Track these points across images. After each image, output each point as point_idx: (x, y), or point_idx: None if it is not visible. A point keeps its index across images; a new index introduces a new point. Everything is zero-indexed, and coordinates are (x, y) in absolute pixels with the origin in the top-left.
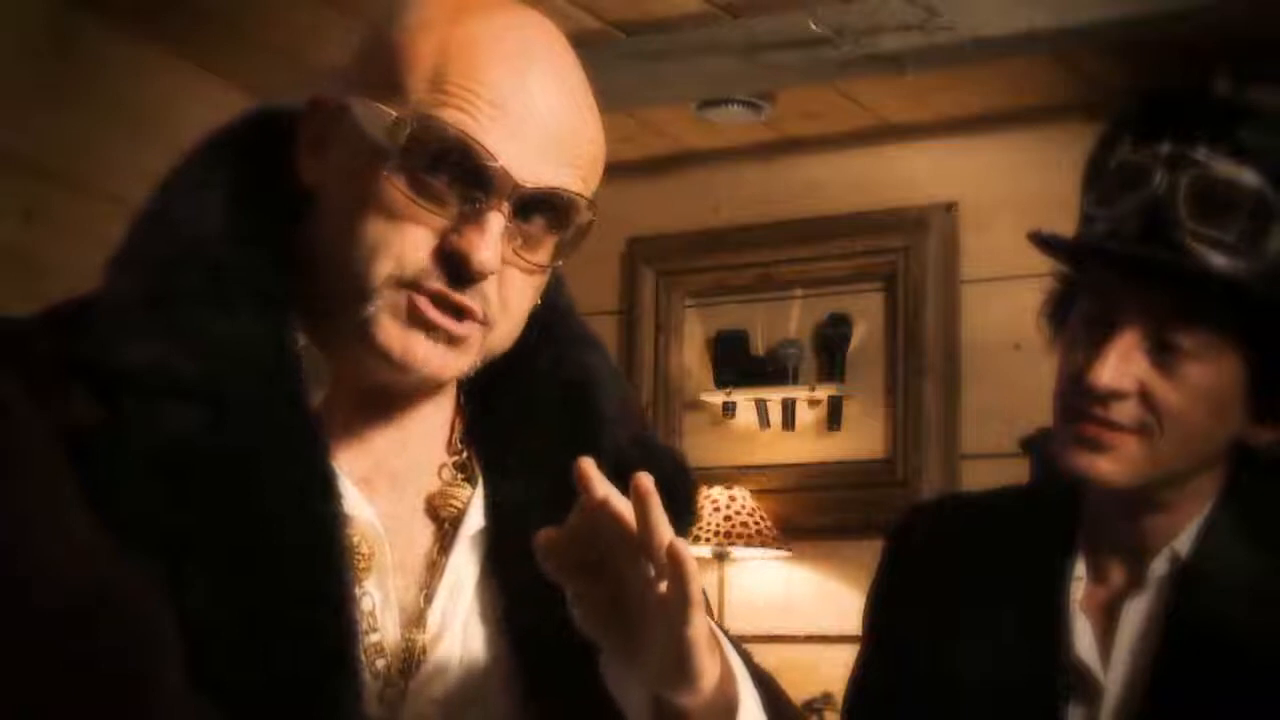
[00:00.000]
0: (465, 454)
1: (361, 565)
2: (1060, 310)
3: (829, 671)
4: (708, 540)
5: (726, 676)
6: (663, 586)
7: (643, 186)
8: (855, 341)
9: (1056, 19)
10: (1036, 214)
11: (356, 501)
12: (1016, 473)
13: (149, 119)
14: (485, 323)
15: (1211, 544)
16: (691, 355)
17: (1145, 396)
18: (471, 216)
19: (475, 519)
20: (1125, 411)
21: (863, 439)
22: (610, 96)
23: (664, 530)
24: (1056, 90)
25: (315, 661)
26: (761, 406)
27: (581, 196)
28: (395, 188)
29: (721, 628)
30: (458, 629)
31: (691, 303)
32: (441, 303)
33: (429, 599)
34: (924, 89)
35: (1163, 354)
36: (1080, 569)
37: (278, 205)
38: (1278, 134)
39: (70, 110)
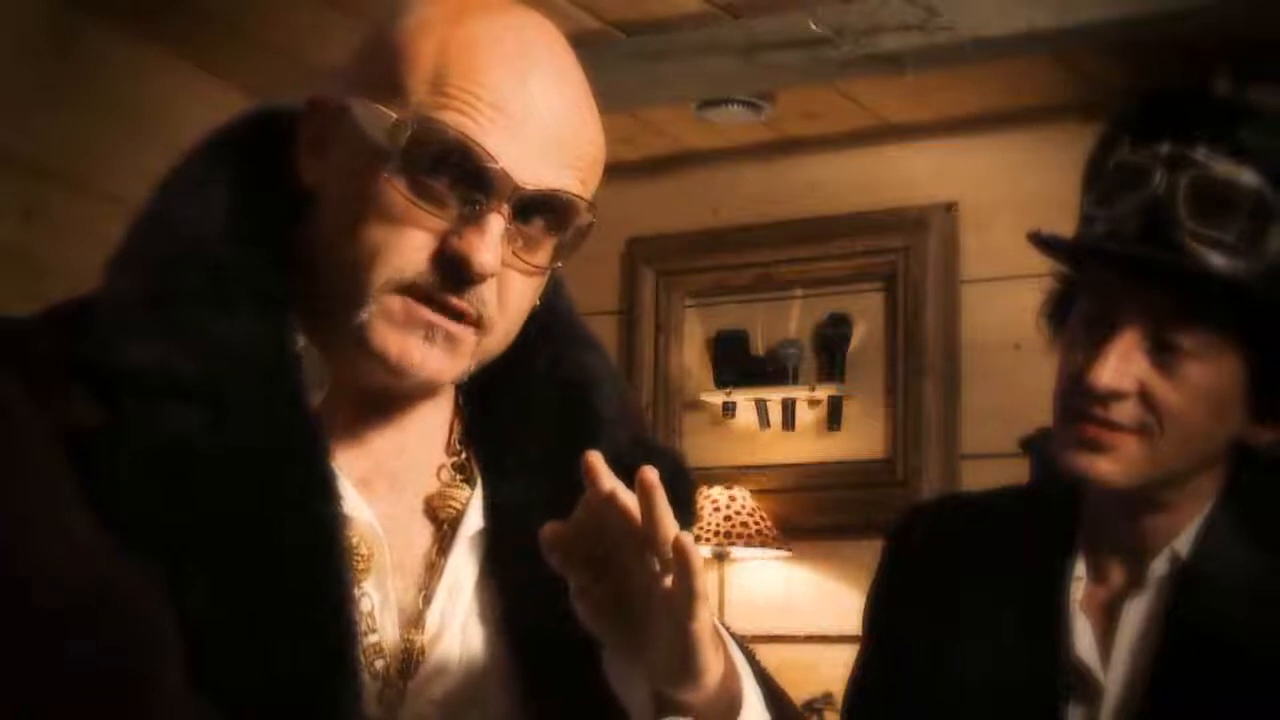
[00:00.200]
0: (464, 455)
1: (360, 566)
2: (1060, 310)
3: (829, 671)
4: (708, 540)
5: (730, 673)
6: (668, 581)
7: (643, 187)
8: (855, 341)
9: (1056, 19)
10: (1036, 214)
11: (355, 503)
12: (1016, 473)
13: (149, 119)
14: (483, 325)
15: (1211, 544)
16: (691, 355)
17: (1145, 396)
18: (471, 218)
19: (474, 520)
20: (1125, 412)
21: (863, 439)
22: (610, 96)
23: (669, 524)
24: (1056, 90)
25: (315, 662)
26: (761, 406)
27: (581, 198)
28: (395, 189)
29: (724, 625)
30: (456, 630)
31: (691, 303)
32: (439, 305)
33: (428, 600)
34: (924, 89)
35: (1163, 354)
36: (1080, 569)
37: (278, 205)
38: (1277, 134)
39: (70, 110)
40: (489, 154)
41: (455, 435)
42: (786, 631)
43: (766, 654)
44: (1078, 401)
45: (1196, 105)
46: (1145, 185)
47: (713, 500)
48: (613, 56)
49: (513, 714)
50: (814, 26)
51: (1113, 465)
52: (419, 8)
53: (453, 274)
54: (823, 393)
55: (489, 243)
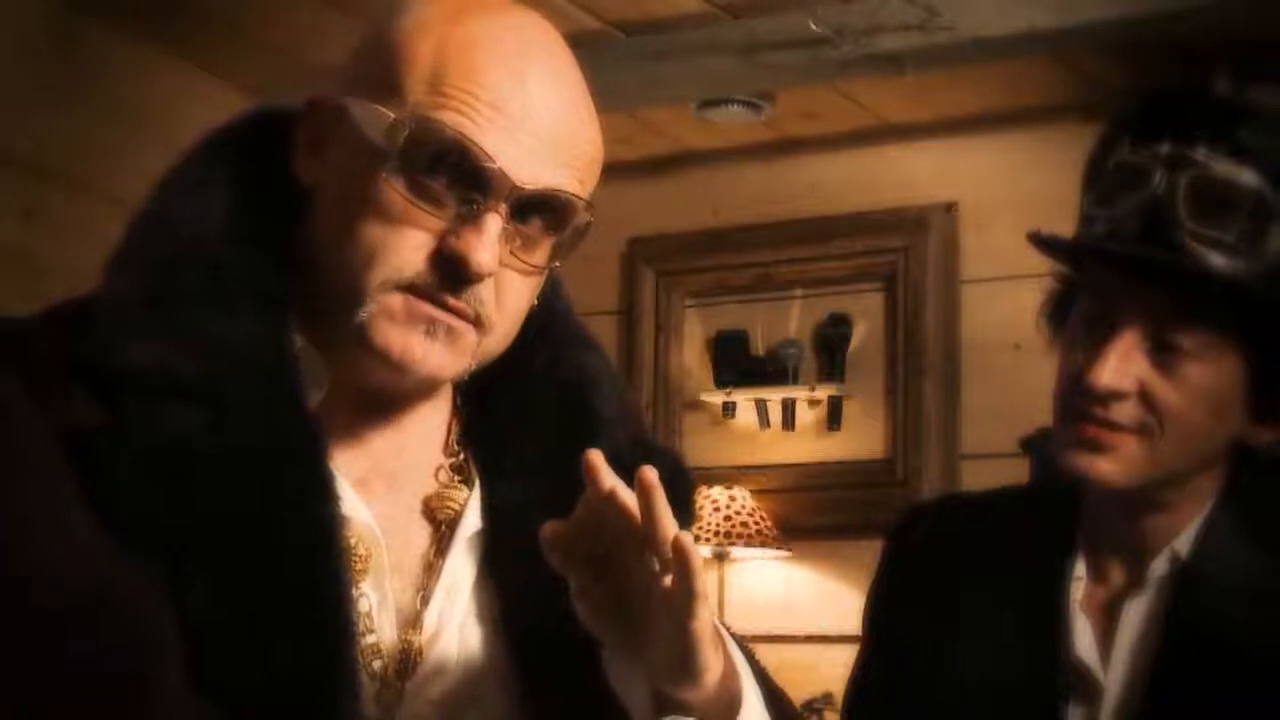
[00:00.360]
0: (462, 456)
1: (358, 567)
2: (1060, 310)
3: (829, 671)
4: (708, 540)
5: (729, 672)
6: (667, 580)
7: (643, 187)
8: (855, 341)
9: (1056, 19)
10: (1036, 214)
11: (354, 503)
12: (1016, 473)
13: (149, 119)
14: (482, 324)
15: (1211, 544)
16: (691, 355)
17: (1145, 396)
18: (469, 218)
19: (472, 521)
20: (1125, 412)
21: (863, 439)
22: (610, 96)
23: (669, 523)
24: (1056, 90)
25: (313, 662)
26: (761, 406)
27: (579, 198)
28: (393, 189)
29: (724, 625)
30: (454, 630)
31: (691, 303)
32: (439, 303)
33: (425, 600)
34: (924, 89)
35: (1163, 354)
36: (1080, 569)
37: (277, 205)
38: (1277, 134)
39: (70, 110)
40: (487, 154)
41: (453, 436)
42: (786, 631)
43: (766, 654)
44: (1078, 401)
45: (1196, 105)
46: (1145, 185)
47: (713, 500)
48: (613, 56)
49: (511, 714)
50: (814, 26)
51: (1113, 465)
52: (417, 7)
53: (451, 274)
54: (823, 393)
55: (486, 242)
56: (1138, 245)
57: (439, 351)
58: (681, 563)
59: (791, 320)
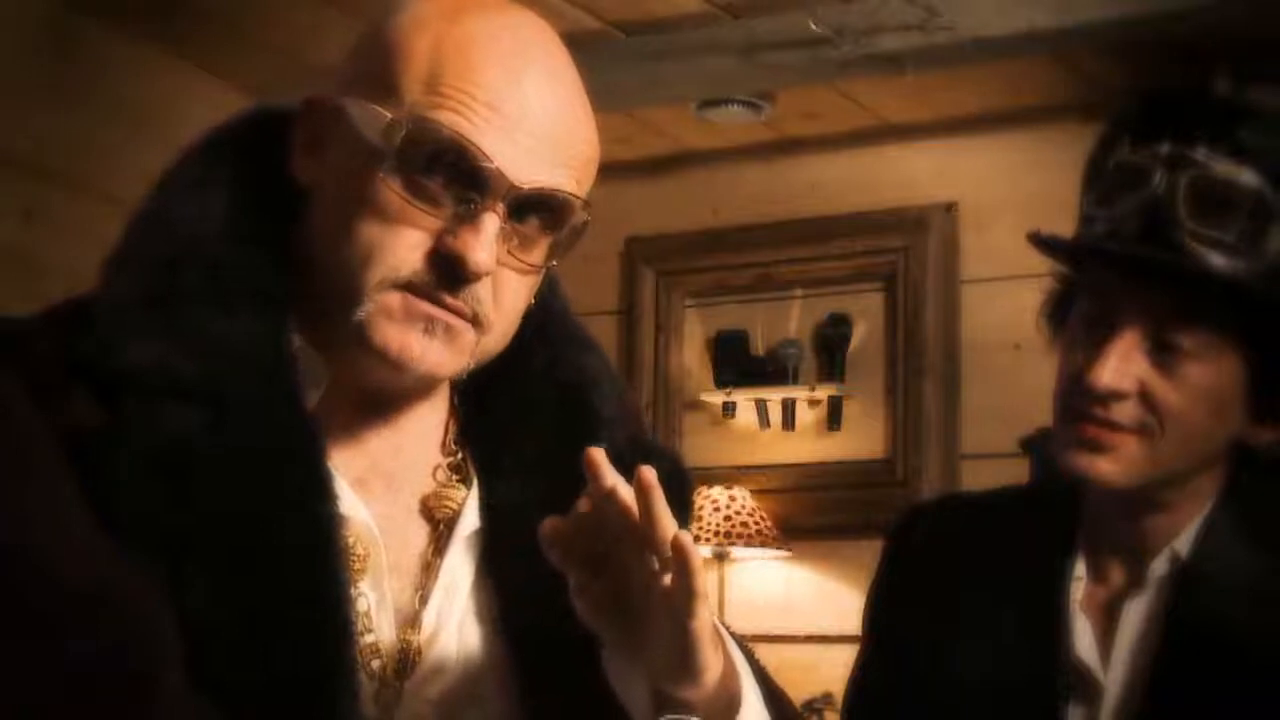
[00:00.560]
0: (460, 455)
1: (357, 566)
2: (1060, 310)
3: (829, 671)
4: (708, 540)
5: (729, 671)
6: (667, 579)
7: (642, 186)
8: (855, 341)
9: (1056, 19)
10: (1036, 214)
11: (352, 503)
12: (1016, 473)
13: (149, 119)
14: (479, 323)
15: (1211, 544)
16: (691, 355)
17: (1145, 397)
18: (466, 217)
19: (470, 520)
20: (1125, 412)
21: (863, 439)
22: (610, 96)
23: (668, 523)
24: (1056, 90)
25: (312, 662)
26: (761, 406)
27: (576, 197)
28: (390, 189)
29: (724, 625)
30: (453, 629)
31: (691, 303)
32: (436, 302)
33: (424, 600)
34: (924, 89)
35: (1163, 354)
36: (1080, 569)
37: (275, 204)
38: (1277, 134)
39: (70, 110)
40: (484, 153)
41: (451, 435)
42: (786, 631)
43: (766, 654)
44: (1078, 401)
45: (1196, 105)
46: (1145, 185)
47: (713, 500)
48: (613, 56)
49: (510, 713)
50: (814, 26)
51: (1113, 465)
52: (413, 6)
53: (448, 273)
54: (823, 393)
55: (484, 242)
56: (1138, 245)
57: (437, 349)
58: (681, 562)
59: (791, 320)
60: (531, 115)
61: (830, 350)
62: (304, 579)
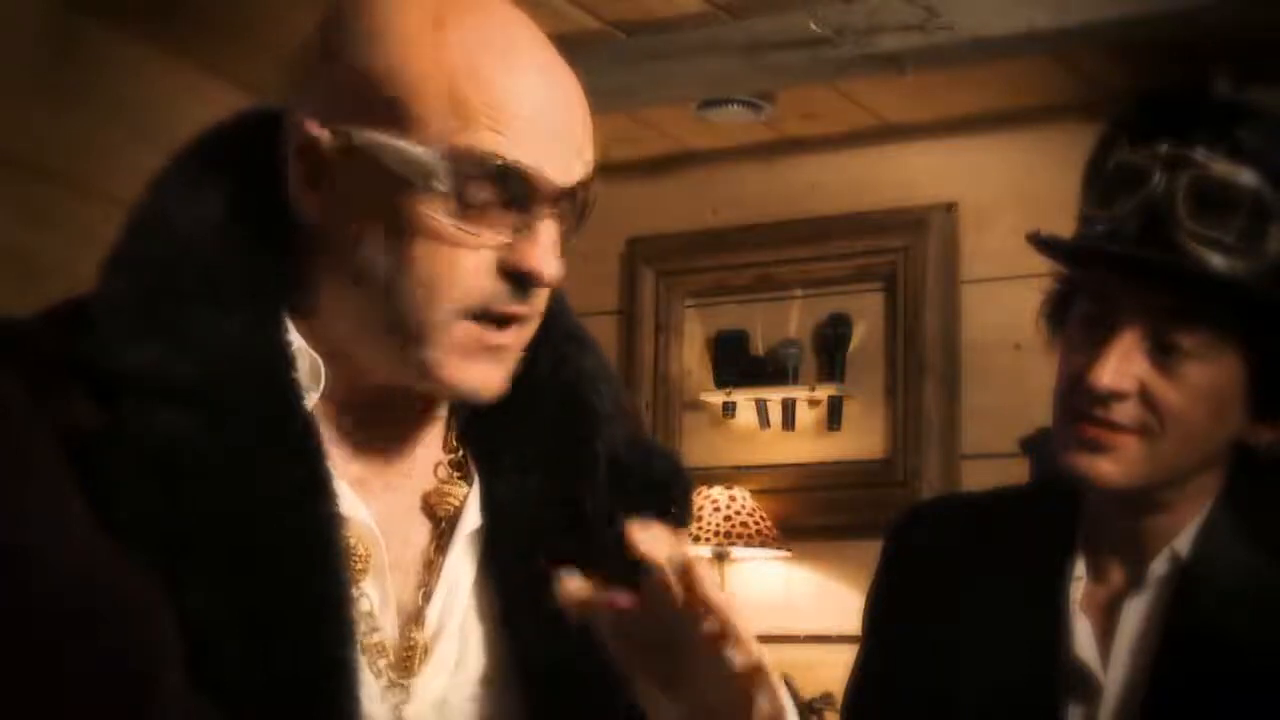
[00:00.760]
0: (461, 452)
1: (359, 566)
2: (1060, 311)
3: (829, 672)
4: (708, 540)
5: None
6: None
7: (642, 186)
8: (855, 341)
9: (1056, 19)
10: (1036, 214)
11: (352, 502)
12: (1016, 473)
13: (149, 119)
14: (531, 323)
15: (1211, 544)
16: (691, 355)
17: (1145, 397)
18: (524, 230)
19: (472, 517)
20: (1125, 412)
21: (863, 439)
22: (610, 96)
23: (718, 599)
24: (1056, 90)
25: (313, 662)
26: (761, 406)
27: (595, 181)
28: (438, 220)
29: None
30: (456, 627)
31: (691, 303)
32: (505, 319)
33: (427, 597)
34: (924, 89)
35: (1163, 354)
36: (1080, 569)
37: (272, 204)
38: (1277, 134)
39: (70, 110)
40: (529, 166)
41: (452, 432)
42: (786, 631)
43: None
44: (1078, 402)
45: (1196, 105)
46: (1145, 185)
47: (713, 500)
48: (613, 56)
49: (514, 710)
50: (814, 26)
51: (1113, 465)
52: (385, 20)
53: (520, 287)
54: (823, 393)
55: (548, 250)
56: (1137, 246)
57: (502, 374)
58: (736, 639)
59: (791, 320)
60: (553, 109)
61: (830, 350)
62: (304, 579)
